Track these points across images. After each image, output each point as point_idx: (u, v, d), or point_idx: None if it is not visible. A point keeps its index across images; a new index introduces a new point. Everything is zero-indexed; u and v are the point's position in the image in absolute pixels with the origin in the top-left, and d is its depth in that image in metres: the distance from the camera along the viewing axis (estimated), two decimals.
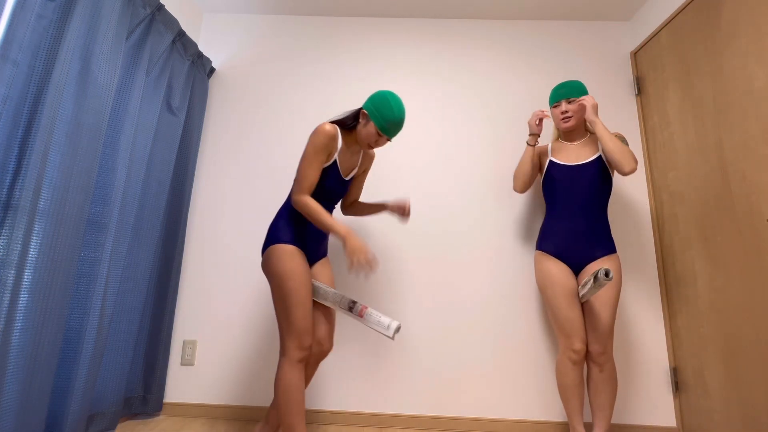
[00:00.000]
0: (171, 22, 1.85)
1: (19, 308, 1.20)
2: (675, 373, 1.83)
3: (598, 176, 1.60)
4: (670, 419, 1.81)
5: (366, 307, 1.37)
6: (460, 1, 2.20)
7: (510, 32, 2.29)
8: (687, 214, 1.79)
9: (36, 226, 1.25)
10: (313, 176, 1.34)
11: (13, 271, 1.17)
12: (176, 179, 1.99)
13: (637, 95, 2.14)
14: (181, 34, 1.94)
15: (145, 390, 1.79)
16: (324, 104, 2.22)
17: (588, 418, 1.80)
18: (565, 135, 1.74)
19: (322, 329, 1.45)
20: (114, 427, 1.59)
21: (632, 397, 1.83)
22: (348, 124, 1.44)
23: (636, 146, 2.09)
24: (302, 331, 1.30)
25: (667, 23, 1.94)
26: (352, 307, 1.37)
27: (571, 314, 1.53)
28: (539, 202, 2.02)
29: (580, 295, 1.52)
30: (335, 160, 1.40)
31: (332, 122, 1.42)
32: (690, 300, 1.76)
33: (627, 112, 2.14)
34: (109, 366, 1.60)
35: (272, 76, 2.27)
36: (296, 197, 1.34)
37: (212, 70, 2.26)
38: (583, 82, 2.19)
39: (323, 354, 1.46)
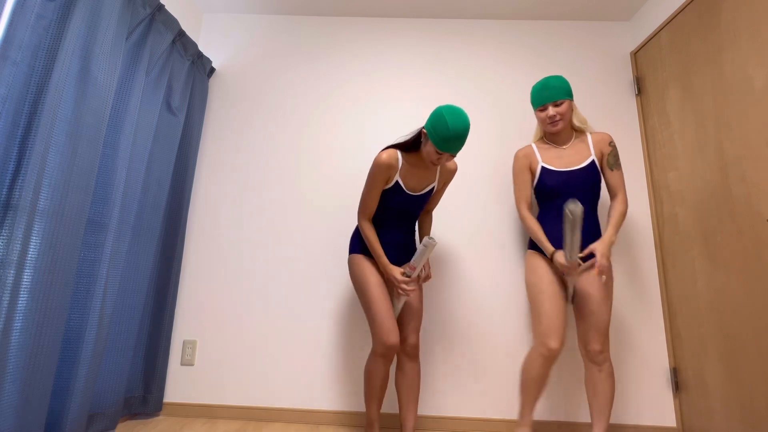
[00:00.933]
0: (171, 22, 1.85)
1: (18, 308, 1.20)
2: (675, 373, 1.83)
3: (591, 180, 1.59)
4: (670, 419, 1.81)
5: (411, 267, 1.47)
6: (460, 1, 2.20)
7: (510, 32, 2.29)
8: (687, 214, 1.79)
9: (36, 225, 1.25)
10: (372, 202, 1.52)
11: (12, 271, 1.17)
12: (176, 179, 1.99)
13: (637, 95, 2.14)
14: (181, 34, 1.94)
15: (145, 390, 1.79)
16: (324, 104, 2.21)
17: (587, 418, 1.80)
18: (552, 136, 1.69)
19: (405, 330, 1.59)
20: (114, 427, 1.59)
21: (632, 397, 1.83)
22: (411, 146, 1.52)
23: (636, 146, 2.09)
24: (382, 328, 1.44)
25: (667, 23, 1.94)
26: (409, 276, 1.48)
27: (554, 312, 1.50)
28: None
29: (569, 261, 1.44)
30: (397, 181, 1.51)
31: (394, 146, 1.52)
32: (690, 300, 1.76)
33: (627, 112, 2.14)
34: (109, 366, 1.60)
35: (272, 76, 2.27)
36: (359, 218, 1.56)
37: (212, 70, 2.26)
38: (583, 82, 2.20)
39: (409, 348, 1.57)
